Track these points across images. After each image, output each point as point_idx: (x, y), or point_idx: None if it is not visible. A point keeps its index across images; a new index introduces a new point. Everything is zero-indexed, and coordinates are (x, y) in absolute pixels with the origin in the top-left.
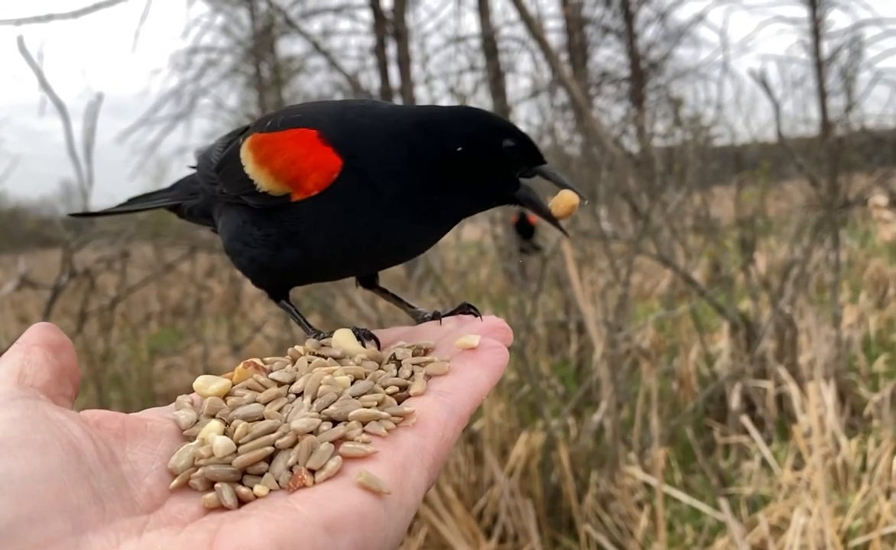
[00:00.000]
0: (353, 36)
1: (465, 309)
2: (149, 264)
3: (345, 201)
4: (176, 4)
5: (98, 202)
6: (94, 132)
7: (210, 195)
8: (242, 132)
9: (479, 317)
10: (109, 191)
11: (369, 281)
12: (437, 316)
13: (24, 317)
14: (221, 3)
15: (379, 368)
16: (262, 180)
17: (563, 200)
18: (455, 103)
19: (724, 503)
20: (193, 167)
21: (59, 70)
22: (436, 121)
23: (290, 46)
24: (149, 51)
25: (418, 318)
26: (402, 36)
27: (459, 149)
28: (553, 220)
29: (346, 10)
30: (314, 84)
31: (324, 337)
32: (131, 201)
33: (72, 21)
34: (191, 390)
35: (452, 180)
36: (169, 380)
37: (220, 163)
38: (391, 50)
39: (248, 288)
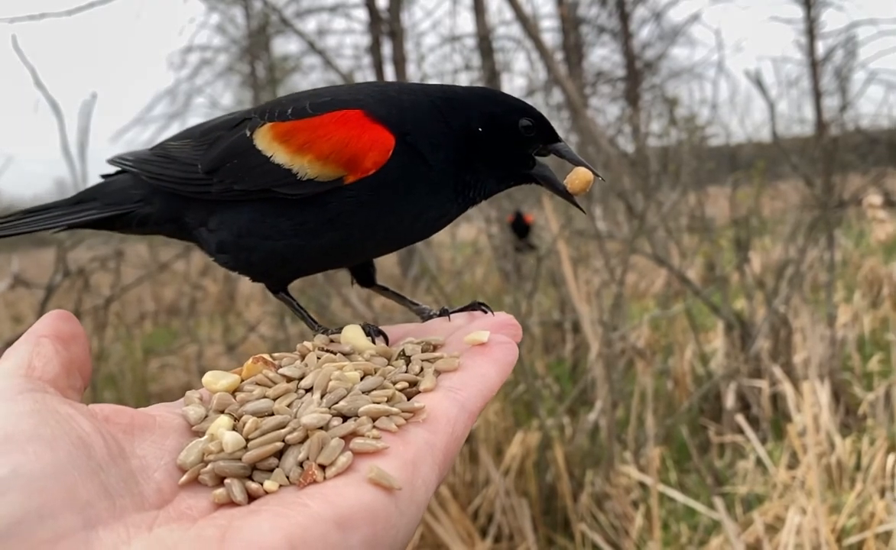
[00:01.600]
0: (348, 35)
1: (476, 306)
2: (143, 263)
3: (399, 177)
4: (171, 3)
5: None
6: (88, 131)
7: (183, 198)
8: (234, 125)
9: (490, 314)
10: None
11: (367, 280)
12: (444, 313)
13: (18, 317)
14: (216, 2)
15: (388, 364)
16: (307, 167)
17: (578, 177)
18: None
19: (718, 502)
20: (120, 173)
21: (54, 68)
22: (459, 99)
23: (285, 45)
24: (144, 50)
25: (424, 316)
26: (397, 35)
27: (480, 128)
28: (569, 197)
29: (341, 9)
30: (309, 83)
31: (332, 333)
32: (25, 216)
33: (66, 20)
34: (186, 389)
35: (476, 158)
36: (163, 380)
37: (219, 161)
38: (386, 49)
39: (244, 287)
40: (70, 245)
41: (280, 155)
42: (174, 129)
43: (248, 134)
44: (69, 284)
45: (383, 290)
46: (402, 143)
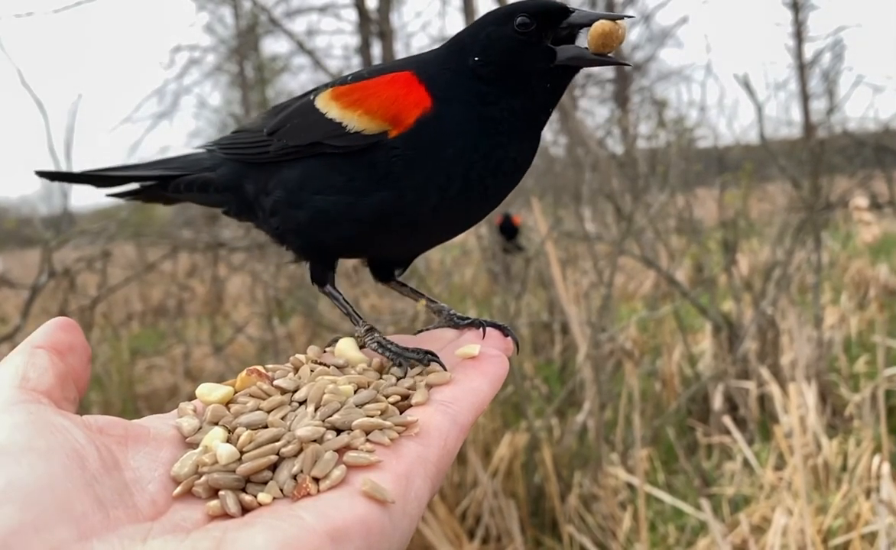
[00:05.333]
0: (337, 35)
1: (496, 325)
2: (130, 263)
3: (439, 132)
4: (161, 2)
5: (78, 201)
6: (74, 130)
7: (247, 165)
8: (303, 95)
9: (507, 336)
10: (92, 190)
11: (386, 275)
12: (455, 324)
13: (3, 318)
14: (205, 2)
15: (380, 378)
16: (355, 121)
17: (595, 34)
18: None
19: (705, 503)
20: (206, 148)
21: (41, 68)
22: (457, 42)
23: (274, 45)
24: (133, 49)
25: (442, 314)
26: (386, 35)
27: (476, 59)
28: (602, 61)
29: (330, 10)
30: (298, 83)
31: (368, 332)
32: (110, 170)
33: (53, 19)
34: (173, 391)
35: (491, 89)
36: (150, 381)
37: (280, 123)
38: (376, 49)
39: (231, 287)
40: (56, 245)
41: (334, 111)
42: (162, 129)
43: (312, 98)
44: (55, 285)
45: (401, 287)
46: (437, 101)
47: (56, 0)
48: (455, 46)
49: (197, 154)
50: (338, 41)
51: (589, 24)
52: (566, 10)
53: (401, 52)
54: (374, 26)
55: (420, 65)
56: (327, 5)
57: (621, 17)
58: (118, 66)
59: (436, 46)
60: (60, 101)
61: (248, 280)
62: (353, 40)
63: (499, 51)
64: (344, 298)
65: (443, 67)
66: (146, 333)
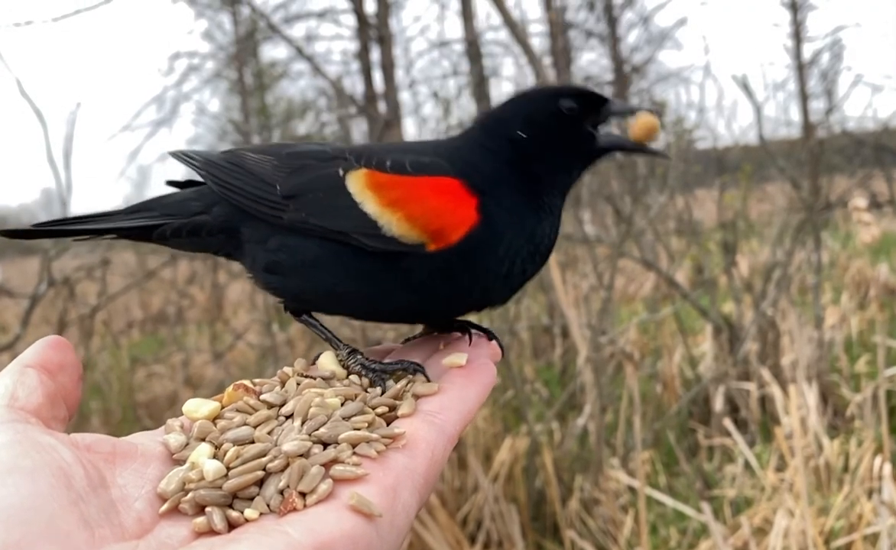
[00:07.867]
0: (336, 41)
1: (481, 329)
2: (130, 271)
3: (483, 239)
4: (158, 9)
5: (77, 210)
6: (73, 139)
7: (241, 213)
8: (326, 159)
9: (492, 340)
10: (90, 195)
11: None
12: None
13: (2, 327)
14: (204, 8)
15: (367, 389)
16: (394, 225)
17: (639, 125)
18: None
19: (706, 505)
20: (194, 165)
21: (40, 76)
22: (495, 118)
23: (273, 51)
24: (132, 56)
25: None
26: (385, 40)
27: (520, 132)
28: (643, 150)
29: (329, 15)
30: (297, 89)
31: (350, 355)
32: (79, 220)
33: (52, 27)
34: (173, 398)
35: (533, 165)
36: (150, 388)
37: (300, 190)
38: (375, 55)
39: (231, 294)
40: (55, 254)
41: (370, 204)
42: (162, 136)
43: (342, 173)
44: (54, 293)
45: None
46: (485, 200)
47: (55, 8)
48: (491, 121)
49: (179, 195)
50: (336, 46)
51: (624, 114)
52: (605, 99)
53: (400, 57)
54: (373, 31)
55: (459, 157)
56: (326, 11)
57: (659, 114)
58: (117, 73)
59: (434, 51)
60: (59, 110)
61: (247, 286)
62: (352, 45)
63: (543, 127)
64: (321, 324)
65: (481, 149)
66: (146, 341)
